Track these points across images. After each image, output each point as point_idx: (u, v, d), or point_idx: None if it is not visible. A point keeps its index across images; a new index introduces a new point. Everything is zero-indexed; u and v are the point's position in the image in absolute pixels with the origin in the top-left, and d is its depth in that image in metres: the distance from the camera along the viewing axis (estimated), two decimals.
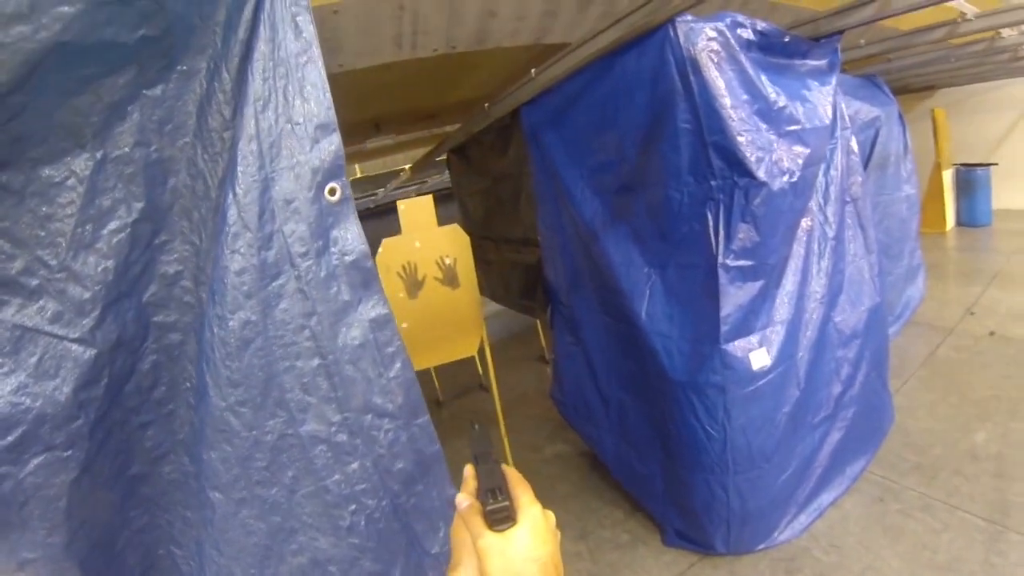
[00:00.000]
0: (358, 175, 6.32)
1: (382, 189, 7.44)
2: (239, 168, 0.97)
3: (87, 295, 0.93)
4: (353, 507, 1.11)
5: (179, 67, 0.96)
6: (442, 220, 3.07)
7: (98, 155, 0.91)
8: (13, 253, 0.87)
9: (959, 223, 7.84)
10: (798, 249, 2.53)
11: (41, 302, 0.90)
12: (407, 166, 6.47)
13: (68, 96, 0.86)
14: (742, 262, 2.27)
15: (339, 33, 2.27)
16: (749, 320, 2.34)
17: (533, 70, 2.70)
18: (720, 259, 2.25)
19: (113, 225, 0.95)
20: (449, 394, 5.57)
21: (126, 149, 0.94)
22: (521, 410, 4.89)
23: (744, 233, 2.23)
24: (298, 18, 0.99)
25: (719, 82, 2.10)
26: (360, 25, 2.24)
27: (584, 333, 3.19)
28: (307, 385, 1.07)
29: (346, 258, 1.07)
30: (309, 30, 1.00)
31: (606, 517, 3.24)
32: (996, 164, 7.58)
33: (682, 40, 2.08)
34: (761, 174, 2.16)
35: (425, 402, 1.18)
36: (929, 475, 2.91)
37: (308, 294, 1.04)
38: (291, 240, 1.02)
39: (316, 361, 1.07)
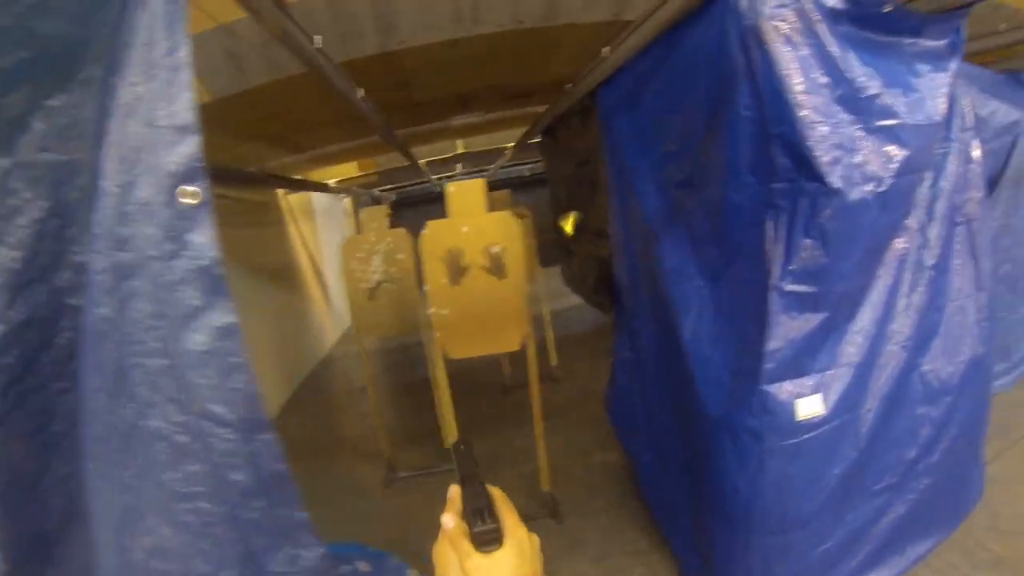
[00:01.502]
0: (460, 150, 6.07)
1: (492, 166, 7.14)
2: (101, 175, 0.98)
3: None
4: (189, 506, 1.10)
5: (80, 76, 1.00)
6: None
7: (5, 164, 0.97)
8: None
9: None
10: (884, 276, 1.93)
11: None
12: (510, 144, 6.12)
13: None
14: (802, 287, 1.73)
15: (394, 8, 2.16)
16: (803, 359, 1.81)
17: (604, 49, 2.29)
18: (774, 280, 1.73)
19: (21, 222, 1.02)
20: (517, 381, 5.20)
21: (31, 156, 1.00)
22: (586, 407, 4.44)
23: (808, 252, 1.69)
24: (171, 15, 0.94)
25: (788, 59, 1.57)
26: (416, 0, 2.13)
27: (640, 340, 2.75)
28: (154, 383, 1.06)
29: (198, 263, 1.03)
30: (181, 28, 0.94)
31: (630, 544, 2.83)
32: None
33: (746, 6, 1.58)
34: (834, 179, 1.61)
35: (268, 419, 1.08)
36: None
37: (158, 296, 1.03)
38: (145, 244, 1.01)
39: (162, 361, 1.05)
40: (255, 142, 4.03)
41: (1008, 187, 3.08)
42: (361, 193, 6.88)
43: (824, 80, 1.62)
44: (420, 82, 3.28)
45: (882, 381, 1.96)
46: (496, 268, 2.70)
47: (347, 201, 7.20)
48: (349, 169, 5.86)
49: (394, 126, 3.78)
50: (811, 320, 1.75)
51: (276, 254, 5.55)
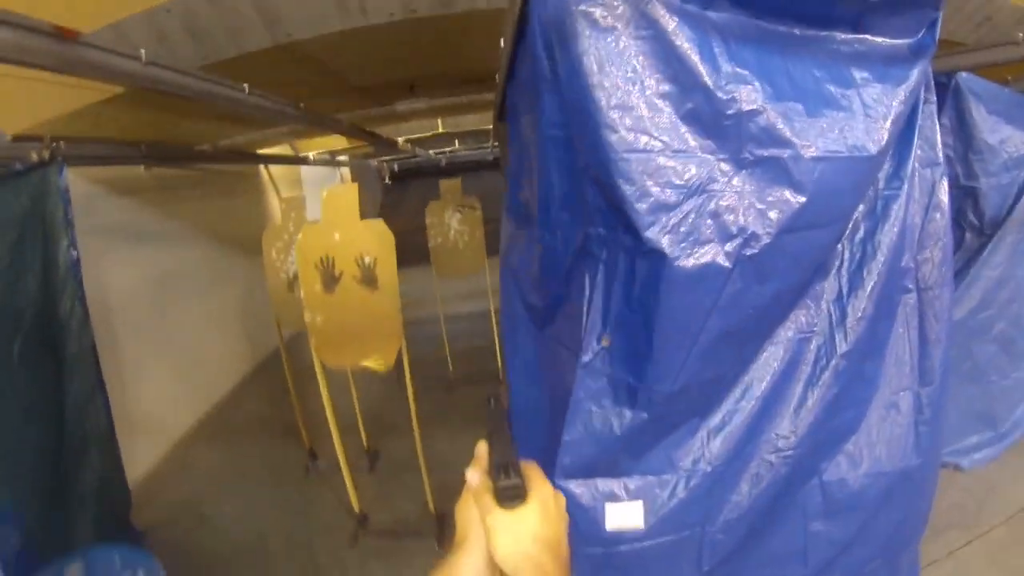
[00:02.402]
0: (440, 130, 5.60)
1: (488, 144, 6.72)
2: None
3: None
4: None
5: None
6: None
7: None
8: None
9: None
10: (766, 364, 1.38)
11: None
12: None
13: None
14: (619, 373, 1.21)
15: (276, 2, 1.95)
16: (620, 458, 1.30)
17: (502, 40, 1.80)
18: (583, 356, 1.22)
19: None
20: (462, 380, 4.89)
21: None
22: None
23: (627, 330, 1.17)
24: None
25: (602, 58, 1.02)
26: None
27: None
28: None
29: None
30: None
31: None
32: None
33: None
34: (657, 236, 1.07)
35: None
36: None
37: None
38: None
39: None
40: (206, 120, 3.69)
41: (1014, 231, 2.36)
42: (359, 164, 6.49)
43: (663, 88, 1.06)
44: (351, 68, 2.97)
45: (754, 494, 1.41)
46: (367, 279, 2.45)
47: (344, 171, 6.84)
48: (339, 140, 5.49)
49: (335, 111, 3.57)
50: (626, 417, 1.23)
51: (249, 225, 5.22)
